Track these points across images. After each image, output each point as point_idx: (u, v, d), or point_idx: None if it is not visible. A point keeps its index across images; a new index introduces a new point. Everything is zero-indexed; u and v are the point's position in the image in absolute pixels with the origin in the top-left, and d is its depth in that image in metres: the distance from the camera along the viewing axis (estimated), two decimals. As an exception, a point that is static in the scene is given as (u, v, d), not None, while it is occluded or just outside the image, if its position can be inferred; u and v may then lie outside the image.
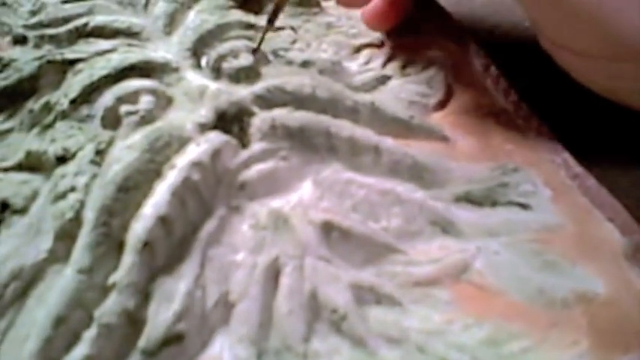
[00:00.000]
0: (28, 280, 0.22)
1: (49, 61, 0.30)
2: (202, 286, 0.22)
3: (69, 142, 0.26)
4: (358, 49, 0.34)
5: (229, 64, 0.30)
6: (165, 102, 0.28)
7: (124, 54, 0.30)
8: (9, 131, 0.28)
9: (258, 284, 0.22)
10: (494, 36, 0.36)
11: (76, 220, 0.23)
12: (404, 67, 0.32)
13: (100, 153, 0.25)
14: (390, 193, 0.25)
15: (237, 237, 0.24)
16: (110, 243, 0.22)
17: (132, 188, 0.23)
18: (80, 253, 0.22)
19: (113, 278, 0.21)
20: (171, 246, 0.23)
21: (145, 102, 0.27)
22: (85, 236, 0.22)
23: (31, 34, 0.32)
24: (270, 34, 0.32)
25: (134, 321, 0.21)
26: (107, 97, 0.28)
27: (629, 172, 0.27)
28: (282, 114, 0.27)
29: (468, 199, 0.25)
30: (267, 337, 0.21)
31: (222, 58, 0.30)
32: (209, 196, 0.24)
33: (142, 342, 0.20)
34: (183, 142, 0.25)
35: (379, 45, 0.34)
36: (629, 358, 0.20)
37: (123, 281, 0.21)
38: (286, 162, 0.26)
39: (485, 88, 0.30)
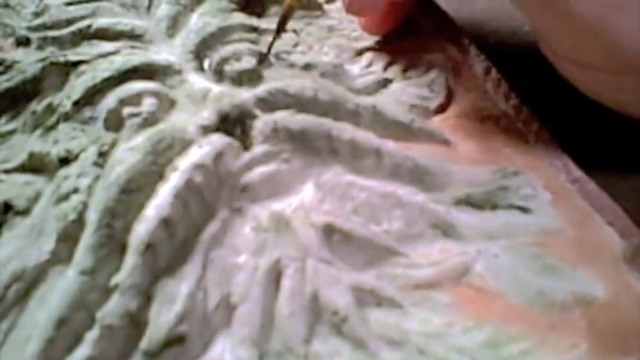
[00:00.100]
0: (31, 282, 0.22)
1: (52, 63, 0.30)
2: (204, 288, 0.22)
3: (72, 143, 0.26)
4: (360, 53, 0.34)
5: (232, 67, 0.30)
6: (167, 104, 0.28)
7: (126, 56, 0.30)
8: (12, 133, 0.29)
9: (259, 286, 0.22)
10: (495, 40, 0.36)
11: (79, 222, 0.23)
12: (405, 70, 0.32)
13: (102, 155, 0.25)
14: (391, 196, 0.25)
15: (239, 239, 0.24)
16: (112, 244, 0.22)
17: (134, 190, 0.23)
18: (82, 254, 0.22)
19: (115, 280, 0.21)
20: (173, 248, 0.23)
21: (148, 104, 0.28)
22: (87, 238, 0.22)
23: (34, 36, 0.32)
24: (272, 38, 0.32)
25: (136, 322, 0.21)
26: (110, 99, 0.28)
27: (628, 176, 0.27)
28: (284, 117, 0.27)
29: (468, 202, 0.25)
30: (269, 338, 0.21)
31: (224, 60, 0.30)
32: (211, 198, 0.24)
33: (144, 343, 0.20)
34: (185, 144, 0.25)
35: (380, 48, 0.34)
36: (628, 360, 0.20)
37: (125, 283, 0.21)
38: (288, 164, 0.26)
39: (486, 92, 0.30)
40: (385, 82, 0.32)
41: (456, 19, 0.35)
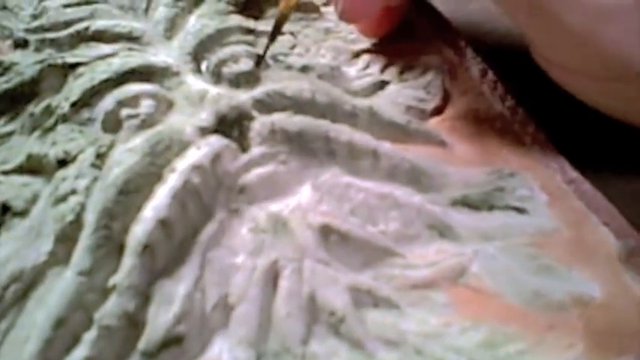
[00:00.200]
0: (29, 283, 0.22)
1: (50, 65, 0.30)
2: (202, 289, 0.22)
3: (70, 145, 0.26)
4: (357, 55, 0.34)
5: (229, 69, 0.30)
6: (165, 106, 0.28)
7: (124, 58, 0.30)
8: (10, 134, 0.29)
9: (257, 287, 0.22)
10: (491, 41, 0.36)
11: (77, 223, 0.23)
12: (402, 72, 0.33)
13: (100, 156, 0.25)
14: (388, 197, 0.25)
15: (237, 240, 0.24)
16: (110, 246, 0.22)
17: (132, 191, 0.23)
18: (80, 255, 0.22)
19: (113, 280, 0.21)
20: (171, 249, 0.23)
21: (146, 106, 0.28)
22: (85, 239, 0.22)
23: (32, 38, 0.32)
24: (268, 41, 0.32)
25: (134, 323, 0.21)
26: (108, 101, 0.28)
27: (624, 178, 0.27)
28: (281, 118, 0.27)
29: (465, 203, 0.25)
30: (266, 339, 0.21)
31: (222, 62, 0.31)
32: (209, 199, 0.24)
33: (142, 344, 0.20)
34: (183, 145, 0.25)
35: (377, 50, 0.34)
36: (625, 360, 0.20)
37: (123, 283, 0.21)
38: (285, 166, 0.26)
39: (482, 94, 0.31)
40: (382, 84, 0.32)
41: (452, 20, 0.35)
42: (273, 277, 0.22)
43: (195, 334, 0.21)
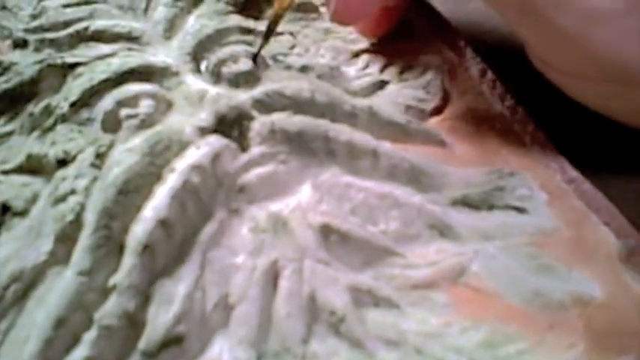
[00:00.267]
0: (29, 282, 0.22)
1: (49, 65, 0.30)
2: (202, 289, 0.22)
3: (69, 145, 0.26)
4: (356, 55, 0.34)
5: (229, 69, 0.30)
6: (165, 106, 0.28)
7: (124, 58, 0.30)
8: (9, 134, 0.29)
9: (257, 287, 0.22)
10: (491, 41, 0.36)
11: (77, 223, 0.23)
12: (401, 72, 0.33)
13: (100, 156, 0.25)
14: (388, 196, 0.25)
15: (237, 240, 0.24)
16: (110, 245, 0.22)
17: (132, 191, 0.23)
18: (80, 255, 0.22)
19: (113, 280, 0.21)
20: (171, 248, 0.23)
21: (145, 106, 0.28)
22: (85, 239, 0.22)
23: (31, 38, 0.32)
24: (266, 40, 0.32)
25: (134, 323, 0.21)
26: (107, 101, 0.28)
27: (623, 178, 0.27)
28: (281, 118, 0.27)
29: (465, 203, 0.25)
30: (267, 339, 0.21)
31: (221, 62, 0.30)
32: (209, 199, 0.24)
33: (142, 344, 0.20)
34: (183, 145, 0.25)
35: (376, 50, 0.34)
36: (625, 360, 0.20)
37: (123, 283, 0.21)
38: (285, 166, 0.26)
39: (482, 93, 0.31)
40: (381, 84, 0.32)
41: (451, 20, 0.35)
42: (273, 276, 0.22)
43: (195, 334, 0.21)
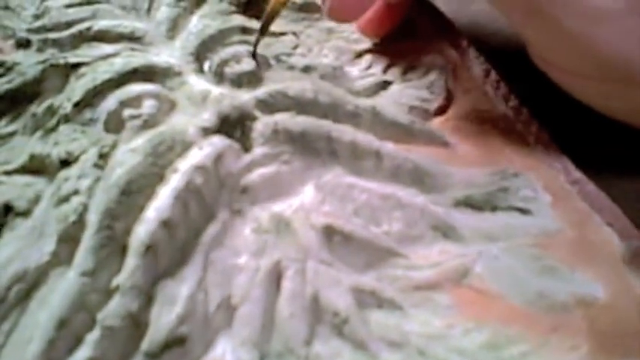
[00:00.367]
0: (32, 283, 0.22)
1: (52, 65, 0.30)
2: (205, 290, 0.22)
3: (72, 145, 0.26)
4: (359, 55, 0.34)
5: (231, 69, 0.30)
6: (168, 106, 0.28)
7: (127, 58, 0.30)
8: (12, 134, 0.29)
9: (260, 287, 0.22)
10: (494, 41, 0.36)
11: (80, 223, 0.23)
12: (405, 72, 0.33)
13: (103, 156, 0.25)
14: (391, 197, 0.25)
15: (240, 240, 0.24)
16: (113, 246, 0.22)
17: (135, 192, 0.23)
18: (83, 256, 0.22)
19: (116, 281, 0.21)
20: (173, 249, 0.23)
21: (148, 106, 0.28)
22: (88, 239, 0.22)
23: (34, 38, 0.32)
24: (272, 40, 0.32)
25: (137, 324, 0.21)
26: (110, 101, 0.28)
27: (627, 178, 0.27)
28: (284, 118, 0.27)
29: (468, 204, 0.25)
30: (269, 340, 0.21)
31: (224, 62, 0.30)
32: (212, 199, 0.24)
33: (145, 345, 0.20)
34: (186, 146, 0.25)
35: (380, 50, 0.34)
36: (629, 362, 0.20)
37: (126, 284, 0.21)
38: (288, 166, 0.26)
39: (486, 94, 0.31)
40: (385, 84, 0.32)
41: (454, 20, 0.35)
42: (276, 277, 0.22)
43: (198, 334, 0.21)
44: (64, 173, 0.25)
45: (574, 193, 0.26)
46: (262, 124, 0.27)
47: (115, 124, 0.27)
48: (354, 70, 0.33)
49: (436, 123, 0.30)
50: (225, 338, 0.21)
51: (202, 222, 0.24)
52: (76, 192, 0.24)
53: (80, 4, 0.34)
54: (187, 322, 0.21)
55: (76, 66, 0.30)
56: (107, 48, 0.31)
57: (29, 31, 0.33)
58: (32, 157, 0.26)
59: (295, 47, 0.34)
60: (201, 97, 0.28)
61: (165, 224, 0.23)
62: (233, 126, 0.27)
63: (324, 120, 0.27)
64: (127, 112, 0.27)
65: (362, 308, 0.22)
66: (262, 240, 0.24)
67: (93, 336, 0.20)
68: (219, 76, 0.30)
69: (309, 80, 0.30)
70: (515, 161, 0.27)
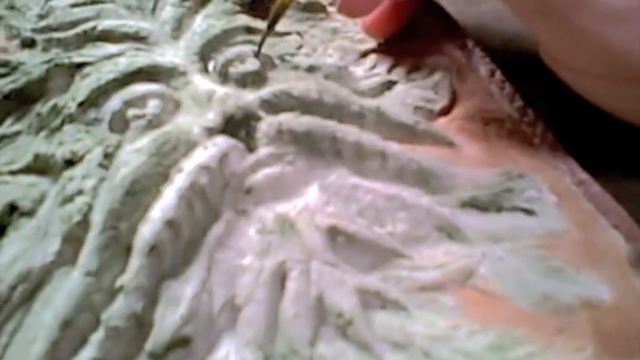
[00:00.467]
0: (36, 283, 0.22)
1: (57, 65, 0.30)
2: (209, 290, 0.22)
3: (77, 145, 0.26)
4: (364, 55, 0.34)
5: (236, 69, 0.30)
6: (172, 106, 0.28)
7: (131, 58, 0.30)
8: (17, 134, 0.29)
9: (264, 288, 0.22)
10: (500, 42, 0.36)
11: (84, 223, 0.23)
12: (409, 72, 0.33)
13: (107, 156, 0.25)
14: (395, 198, 0.25)
15: (244, 241, 0.24)
16: (118, 246, 0.22)
17: (139, 192, 0.23)
18: (88, 256, 0.22)
19: (121, 281, 0.21)
20: (178, 249, 0.23)
21: (153, 106, 0.28)
22: (92, 239, 0.22)
23: (39, 38, 0.32)
24: (276, 39, 0.32)
25: (141, 324, 0.21)
26: (115, 101, 0.28)
27: (632, 180, 0.27)
28: (288, 119, 0.27)
29: (473, 205, 0.25)
30: (274, 341, 0.21)
31: (229, 62, 0.30)
32: (216, 200, 0.24)
33: (149, 345, 0.20)
34: (190, 146, 0.25)
35: (384, 50, 0.34)
36: (634, 363, 0.20)
37: (130, 284, 0.21)
38: (292, 167, 0.26)
39: (491, 94, 0.30)
40: (389, 84, 0.32)
41: (460, 21, 0.35)
42: (280, 278, 0.22)
43: (202, 335, 0.21)
44: (68, 173, 0.25)
45: (579, 195, 0.26)
46: (267, 124, 0.27)
47: (119, 123, 0.27)
48: (359, 70, 0.33)
49: (441, 123, 0.30)
50: (229, 339, 0.21)
51: (207, 222, 0.24)
52: (80, 192, 0.24)
53: (85, 4, 0.34)
54: (191, 322, 0.21)
55: (81, 66, 0.30)
56: (112, 48, 0.31)
57: (34, 30, 0.33)
58: (37, 156, 0.26)
59: (299, 47, 0.34)
60: (205, 97, 0.28)
61: (170, 224, 0.23)
62: (237, 126, 0.27)
63: (328, 120, 0.27)
64: (131, 112, 0.27)
65: (366, 309, 0.22)
66: (267, 240, 0.24)
67: (97, 336, 0.20)
68: (223, 76, 0.30)
69: (314, 80, 0.29)
70: (521, 162, 0.27)
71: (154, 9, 0.34)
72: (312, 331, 0.21)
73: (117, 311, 0.21)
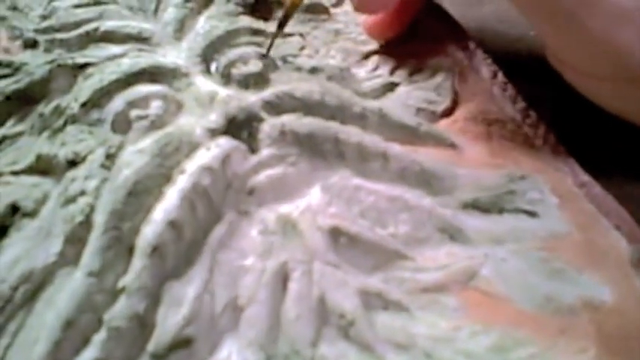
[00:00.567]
0: (38, 283, 0.22)
1: (59, 65, 0.30)
2: (211, 291, 0.22)
3: (79, 146, 0.26)
4: (366, 56, 0.34)
5: (238, 70, 0.30)
6: (175, 107, 0.28)
7: (134, 59, 0.30)
8: (20, 134, 0.29)
9: (266, 289, 0.22)
10: (502, 44, 0.36)
11: (86, 224, 0.23)
12: (411, 74, 0.33)
13: (110, 157, 0.25)
14: (398, 199, 0.25)
15: (246, 242, 0.24)
16: (120, 247, 0.22)
17: (142, 192, 0.23)
18: (90, 256, 0.22)
19: (123, 282, 0.21)
20: (180, 250, 0.23)
21: (155, 107, 0.28)
22: (95, 240, 0.22)
23: (42, 38, 0.32)
24: (278, 41, 0.32)
25: (143, 325, 0.21)
26: (117, 102, 0.28)
27: (635, 181, 0.27)
28: (291, 120, 0.27)
29: (475, 206, 0.25)
30: (276, 341, 0.21)
31: (231, 64, 0.30)
32: (218, 201, 0.24)
33: (151, 346, 0.20)
34: (193, 147, 0.25)
35: (387, 52, 0.34)
36: (636, 365, 0.20)
37: (133, 285, 0.21)
38: (295, 168, 0.26)
39: (493, 96, 0.30)
40: (392, 86, 0.32)
41: (462, 22, 0.35)
42: (282, 279, 0.22)
43: (204, 336, 0.21)
44: (71, 174, 0.25)
45: (581, 196, 0.26)
46: (269, 125, 0.27)
47: (122, 124, 0.27)
48: (361, 72, 0.33)
49: (443, 125, 0.30)
50: (231, 340, 0.21)
51: (209, 223, 0.24)
52: (82, 192, 0.24)
53: (87, 5, 0.34)
54: (193, 323, 0.21)
55: (84, 66, 0.30)
56: (114, 49, 0.31)
57: (37, 31, 0.33)
58: (39, 157, 0.27)
59: (302, 48, 0.34)
60: (208, 98, 0.28)
61: (172, 225, 0.23)
62: (240, 127, 0.27)
63: (331, 121, 0.27)
64: (134, 113, 0.27)
65: (368, 310, 0.22)
66: (269, 241, 0.24)
67: (99, 337, 0.21)
68: (226, 78, 0.30)
69: (316, 82, 0.30)
70: (523, 163, 0.27)
71: (156, 10, 0.34)
72: (314, 331, 0.21)
73: (119, 312, 0.21)
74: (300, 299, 0.22)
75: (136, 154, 0.25)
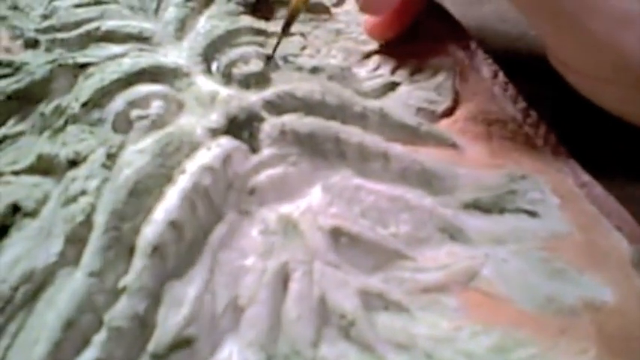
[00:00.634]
0: (39, 283, 0.22)
1: (60, 65, 0.30)
2: (212, 291, 0.22)
3: (80, 145, 0.26)
4: (367, 56, 0.34)
5: (239, 70, 0.30)
6: (175, 107, 0.28)
7: (134, 59, 0.30)
8: (20, 134, 0.29)
9: (267, 289, 0.22)
10: (503, 43, 0.36)
11: (87, 224, 0.23)
12: (412, 73, 0.32)
13: (111, 157, 0.25)
14: (399, 199, 0.25)
15: (247, 242, 0.24)
16: (121, 247, 0.22)
17: (143, 192, 0.23)
18: (91, 256, 0.22)
19: (123, 282, 0.21)
20: (181, 250, 0.23)
21: (156, 107, 0.28)
22: (95, 240, 0.22)
23: (42, 38, 0.32)
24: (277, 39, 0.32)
25: (144, 325, 0.21)
26: (118, 102, 0.28)
27: (636, 181, 0.27)
28: (291, 120, 0.27)
29: (476, 206, 0.25)
30: (276, 341, 0.21)
31: (232, 63, 0.31)
32: (219, 200, 0.24)
33: (152, 346, 0.20)
34: (193, 146, 0.25)
35: (388, 51, 0.34)
36: (637, 366, 0.20)
37: (133, 285, 0.21)
38: (296, 168, 0.26)
39: (494, 96, 0.30)
40: (392, 86, 0.32)
41: (463, 22, 0.35)
42: (283, 279, 0.22)
43: (205, 336, 0.21)
44: (71, 173, 0.25)
45: (582, 196, 0.26)
46: (270, 125, 0.27)
47: (122, 124, 0.27)
48: (362, 72, 0.33)
49: (444, 125, 0.30)
50: (232, 340, 0.21)
51: (210, 223, 0.24)
52: (83, 192, 0.24)
53: (88, 5, 0.34)
54: (194, 323, 0.21)
55: (84, 66, 0.30)
56: (115, 48, 0.31)
57: (37, 31, 0.33)
58: (40, 157, 0.27)
59: (303, 48, 0.34)
60: (209, 98, 0.28)
61: (173, 225, 0.23)
62: (241, 127, 0.27)
63: (331, 121, 0.27)
64: (134, 113, 0.27)
65: (369, 310, 0.22)
66: (270, 241, 0.24)
67: (100, 337, 0.21)
68: (227, 77, 0.30)
69: (317, 81, 0.30)
70: (524, 163, 0.27)
71: (157, 9, 0.34)
72: (315, 331, 0.21)
73: (120, 312, 0.21)
74: (300, 299, 0.22)
75: (137, 153, 0.25)
